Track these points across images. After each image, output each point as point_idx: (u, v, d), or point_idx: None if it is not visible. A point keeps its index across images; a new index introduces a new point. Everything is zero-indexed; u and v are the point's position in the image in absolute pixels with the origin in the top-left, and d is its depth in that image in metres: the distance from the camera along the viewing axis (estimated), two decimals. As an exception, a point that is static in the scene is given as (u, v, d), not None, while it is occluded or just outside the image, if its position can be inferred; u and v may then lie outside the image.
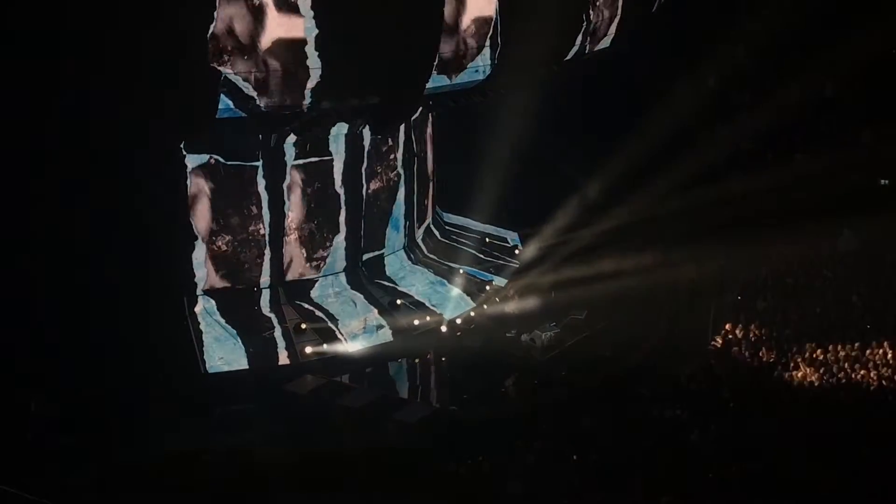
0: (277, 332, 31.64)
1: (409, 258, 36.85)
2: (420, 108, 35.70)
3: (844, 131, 39.91)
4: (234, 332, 31.45)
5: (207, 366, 30.21)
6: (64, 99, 27.07)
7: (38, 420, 26.55)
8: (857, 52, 38.82)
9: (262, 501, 22.05)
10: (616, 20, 34.22)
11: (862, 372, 26.67)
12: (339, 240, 34.17)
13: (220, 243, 32.04)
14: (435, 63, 30.32)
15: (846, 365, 27.10)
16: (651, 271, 34.37)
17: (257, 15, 27.64)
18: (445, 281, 35.90)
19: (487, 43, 31.62)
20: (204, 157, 31.32)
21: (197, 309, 31.73)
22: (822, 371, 26.81)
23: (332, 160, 33.47)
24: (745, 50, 41.14)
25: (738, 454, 22.78)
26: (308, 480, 22.89)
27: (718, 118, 40.77)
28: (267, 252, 32.86)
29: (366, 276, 34.89)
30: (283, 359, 30.88)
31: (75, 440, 25.85)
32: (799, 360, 27.59)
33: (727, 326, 30.38)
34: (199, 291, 31.98)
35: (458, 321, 33.51)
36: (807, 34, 40.36)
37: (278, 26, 27.95)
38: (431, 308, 33.94)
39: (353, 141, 33.66)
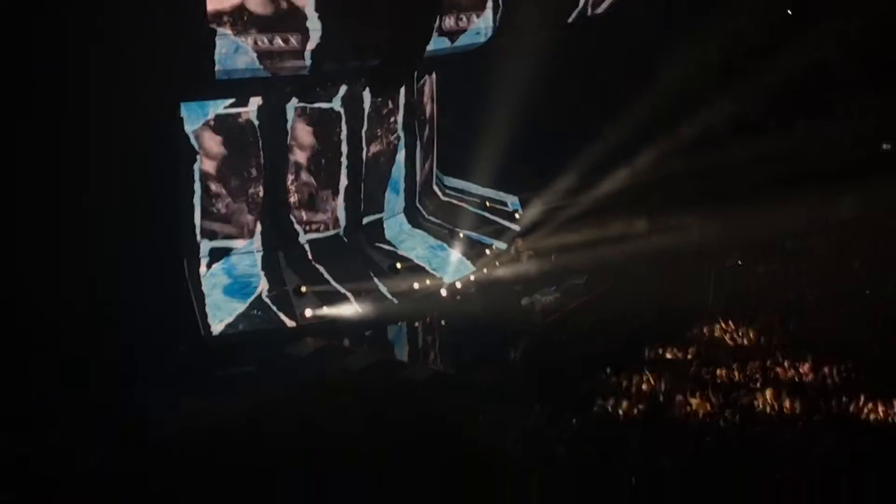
0: (277, 295, 31.65)
1: (409, 222, 36.81)
2: (421, 70, 35.59)
3: (847, 96, 39.80)
4: (234, 294, 31.46)
5: (208, 329, 30.22)
6: (62, 57, 27.03)
7: (39, 382, 26.52)
8: (859, 16, 38.69)
9: (264, 462, 22.01)
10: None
11: (862, 337, 26.65)
12: (339, 202, 34.13)
13: (219, 205, 31.98)
14: (436, 25, 30.24)
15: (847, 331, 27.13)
16: (652, 236, 34.37)
17: (257, -25, 27.60)
18: (445, 244, 35.88)
19: (489, 5, 31.52)
20: (203, 118, 31.22)
21: (198, 272, 31.71)
22: (822, 333, 26.85)
23: (331, 123, 33.39)
24: (747, 14, 40.94)
25: (738, 416, 22.81)
26: (308, 442, 22.85)
27: (721, 82, 40.63)
28: (267, 215, 32.82)
29: (365, 240, 34.86)
30: (284, 321, 30.89)
31: (75, 403, 25.86)
32: (800, 323, 27.60)
33: (727, 291, 30.42)
34: (199, 254, 31.94)
35: (458, 285, 33.51)
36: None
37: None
38: (431, 272, 33.95)
39: (352, 103, 33.56)
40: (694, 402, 23.63)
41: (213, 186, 31.89)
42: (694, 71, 39.41)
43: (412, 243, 35.73)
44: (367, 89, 33.20)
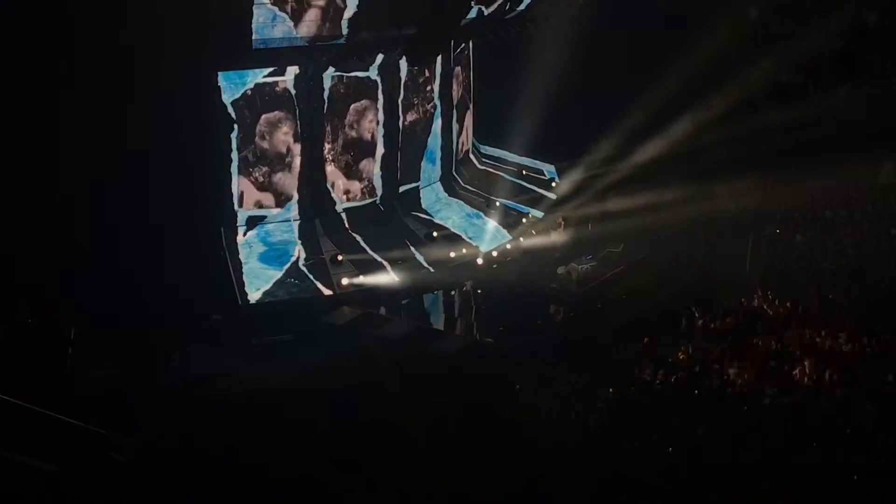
0: (314, 263, 31.76)
1: (445, 190, 36.81)
2: (458, 39, 35.48)
3: (887, 62, 39.27)
4: (271, 263, 31.61)
5: (245, 297, 30.38)
6: (101, 30, 27.17)
7: (77, 349, 26.79)
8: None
9: (300, 428, 22.14)
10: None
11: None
12: (376, 171, 34.17)
13: (256, 174, 32.10)
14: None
15: (885, 298, 26.93)
16: (688, 204, 34.17)
17: (293, -56, 27.58)
18: (481, 213, 35.87)
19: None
20: (241, 88, 31.29)
21: (235, 240, 31.87)
22: (861, 304, 26.66)
23: (368, 91, 33.39)
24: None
25: (775, 387, 22.74)
26: (343, 410, 22.96)
27: (759, 49, 40.22)
28: (304, 183, 32.90)
29: (401, 208, 34.91)
30: (320, 290, 31.01)
31: (115, 370, 26.13)
32: (838, 292, 27.43)
33: (764, 260, 30.27)
34: (236, 223, 32.10)
35: (494, 253, 33.51)
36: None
37: (314, -45, 27.91)
38: (467, 240, 33.97)
39: (389, 72, 33.53)
40: (731, 371, 23.55)
41: (250, 155, 31.99)
42: (732, 36, 39.02)
43: (448, 212, 35.75)
44: (404, 58, 33.12)
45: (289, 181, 32.76)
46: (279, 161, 32.43)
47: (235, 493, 19.88)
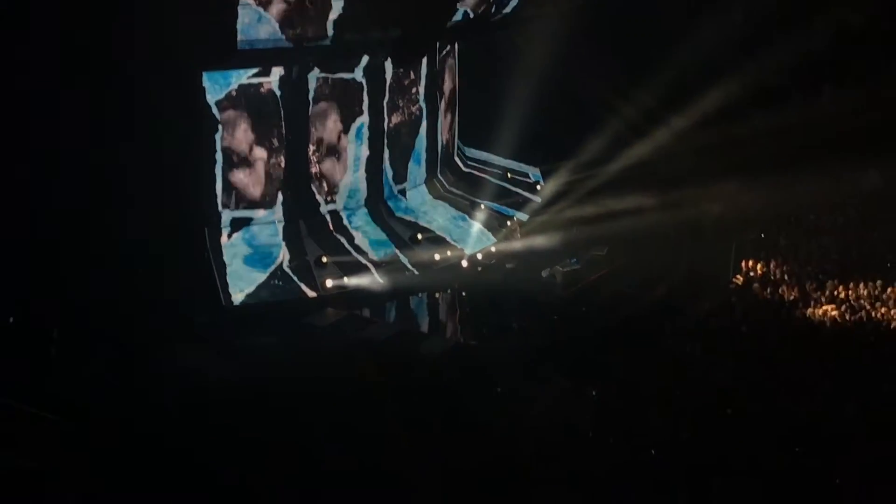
0: (298, 265, 31.70)
1: (431, 192, 36.80)
2: (443, 42, 35.47)
3: (872, 67, 39.43)
4: (255, 264, 31.52)
5: (229, 299, 30.30)
6: (85, 28, 27.06)
7: (60, 349, 26.70)
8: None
9: (283, 431, 22.10)
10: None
11: (883, 309, 26.57)
12: (361, 173, 34.13)
13: (241, 175, 31.99)
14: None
15: (867, 303, 27.04)
16: (673, 208, 34.26)
17: (278, -57, 27.53)
18: (466, 216, 35.87)
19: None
20: (225, 89, 31.21)
21: (218, 241, 31.78)
22: (843, 308, 26.73)
23: (353, 93, 33.36)
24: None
25: (758, 390, 22.79)
26: (327, 411, 22.93)
27: (744, 53, 40.35)
28: (288, 185, 32.84)
29: (387, 211, 34.87)
30: (305, 292, 30.95)
31: (96, 368, 26.04)
32: (820, 296, 27.50)
33: (748, 263, 30.33)
34: (220, 224, 32.01)
35: (479, 256, 33.50)
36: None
37: (300, -45, 27.84)
38: (452, 243, 33.95)
39: (374, 74, 33.50)
40: (717, 374, 23.61)
41: (235, 156, 31.89)
42: (717, 39, 39.15)
43: (434, 214, 35.72)
44: (390, 60, 33.10)
45: (273, 182, 32.67)
46: (263, 162, 32.34)
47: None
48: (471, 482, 20.38)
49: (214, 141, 31.40)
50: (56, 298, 27.85)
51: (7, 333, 26.78)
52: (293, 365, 26.29)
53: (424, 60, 35.29)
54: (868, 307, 26.76)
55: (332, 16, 29.70)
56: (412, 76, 35.14)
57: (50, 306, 27.68)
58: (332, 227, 33.48)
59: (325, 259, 31.76)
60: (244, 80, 31.43)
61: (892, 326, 25.99)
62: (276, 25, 29.59)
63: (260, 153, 32.18)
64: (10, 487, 19.85)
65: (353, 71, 32.95)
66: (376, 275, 31.76)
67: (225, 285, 30.40)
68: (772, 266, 29.70)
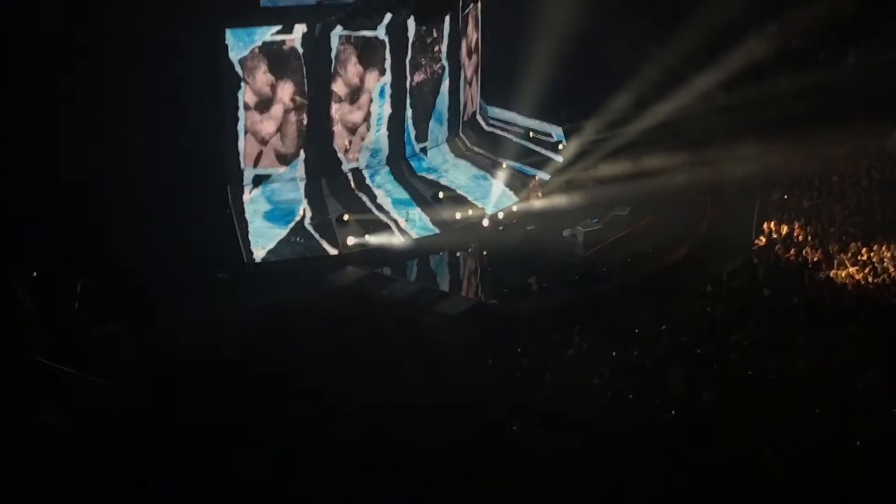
0: (320, 223, 31.77)
1: (452, 151, 36.75)
2: (465, -1, 35.38)
3: (897, 28, 39.04)
4: (277, 221, 31.63)
5: (251, 255, 30.39)
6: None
7: (82, 304, 26.85)
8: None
9: (304, 386, 22.16)
10: None
11: (906, 272, 26.45)
12: (383, 132, 34.11)
13: (264, 132, 32.07)
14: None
15: (890, 265, 26.87)
16: (695, 168, 34.11)
17: None
18: (488, 175, 35.83)
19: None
20: (249, 46, 31.21)
21: (241, 198, 31.87)
22: (866, 270, 26.60)
23: (376, 51, 33.29)
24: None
25: (779, 352, 22.73)
26: (346, 368, 22.96)
27: (767, 14, 40.02)
28: (310, 143, 32.87)
29: (409, 169, 34.87)
30: (326, 249, 31.02)
31: (120, 326, 26.19)
32: (844, 258, 27.36)
33: (771, 225, 30.20)
34: (242, 181, 32.09)
35: (500, 215, 33.46)
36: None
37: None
38: (473, 202, 33.92)
39: (397, 32, 33.41)
40: (735, 336, 23.56)
41: (257, 114, 31.95)
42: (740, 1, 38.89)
43: (455, 173, 35.71)
44: (412, 18, 32.99)
45: (295, 140, 32.72)
46: (286, 120, 32.38)
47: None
48: (487, 441, 20.45)
49: (237, 98, 31.46)
50: (79, 254, 27.98)
51: (31, 287, 26.91)
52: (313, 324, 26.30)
53: (447, 18, 35.17)
54: (892, 269, 26.59)
55: (356, -28, 29.64)
56: (435, 34, 35.06)
57: (73, 261, 27.82)
58: (353, 185, 33.53)
59: (346, 217, 31.81)
60: (267, 38, 31.45)
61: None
62: (300, -18, 29.60)
63: (282, 111, 32.26)
64: (34, 441, 20.01)
65: (375, 29, 32.88)
66: (398, 233, 31.80)
67: (247, 242, 30.54)
68: (795, 227, 29.54)
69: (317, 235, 31.37)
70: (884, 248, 27.51)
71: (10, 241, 27.52)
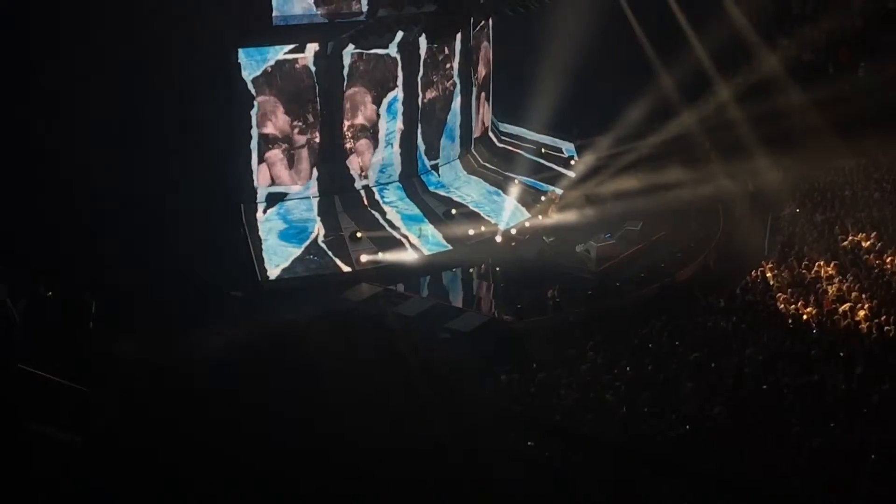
0: (333, 240, 31.86)
1: (464, 168, 36.84)
2: (477, 16, 35.44)
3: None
4: (291, 240, 31.72)
5: (265, 273, 30.48)
6: (123, 5, 27.25)
7: (98, 323, 26.90)
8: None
9: (316, 404, 22.19)
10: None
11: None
12: (395, 149, 34.22)
13: (276, 151, 32.20)
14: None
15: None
16: (708, 183, 34.17)
17: (314, -80, 27.61)
18: (500, 191, 35.89)
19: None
20: (261, 64, 31.37)
21: (255, 217, 31.99)
22: (879, 283, 26.58)
23: (388, 69, 33.42)
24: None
25: (792, 366, 22.73)
26: (359, 383, 22.98)
27: (780, 28, 40.14)
28: (323, 160, 33.00)
29: (421, 186, 34.96)
30: (340, 267, 31.10)
31: (133, 345, 26.22)
32: (856, 272, 27.34)
33: (783, 238, 30.25)
34: (256, 199, 32.21)
35: (513, 231, 33.52)
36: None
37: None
38: (486, 218, 33.98)
39: (409, 49, 33.54)
40: (749, 349, 23.56)
41: (271, 132, 32.08)
42: (754, 14, 38.98)
43: (467, 189, 35.79)
44: (424, 35, 33.13)
45: (308, 158, 32.85)
46: (298, 138, 32.52)
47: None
48: (501, 455, 20.46)
49: (250, 117, 31.61)
50: (94, 272, 28.08)
51: (46, 306, 26.99)
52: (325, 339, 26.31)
53: (458, 36, 35.30)
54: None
55: (367, -9, 29.79)
56: (446, 52, 35.18)
57: (88, 280, 27.91)
58: (366, 203, 33.63)
59: (359, 234, 31.91)
60: (279, 57, 31.61)
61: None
62: (311, 1, 29.76)
63: (295, 129, 32.37)
64: (45, 457, 20.06)
65: (387, 47, 33.02)
66: (411, 250, 31.87)
67: (261, 260, 30.64)
68: (808, 241, 29.57)
69: (330, 253, 31.47)
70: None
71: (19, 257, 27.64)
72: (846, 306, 25.10)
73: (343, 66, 32.60)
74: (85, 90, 28.74)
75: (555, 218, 34.12)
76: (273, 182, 32.53)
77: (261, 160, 32.19)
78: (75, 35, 28.28)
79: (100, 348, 25.87)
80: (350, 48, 32.27)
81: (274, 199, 32.53)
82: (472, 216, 33.96)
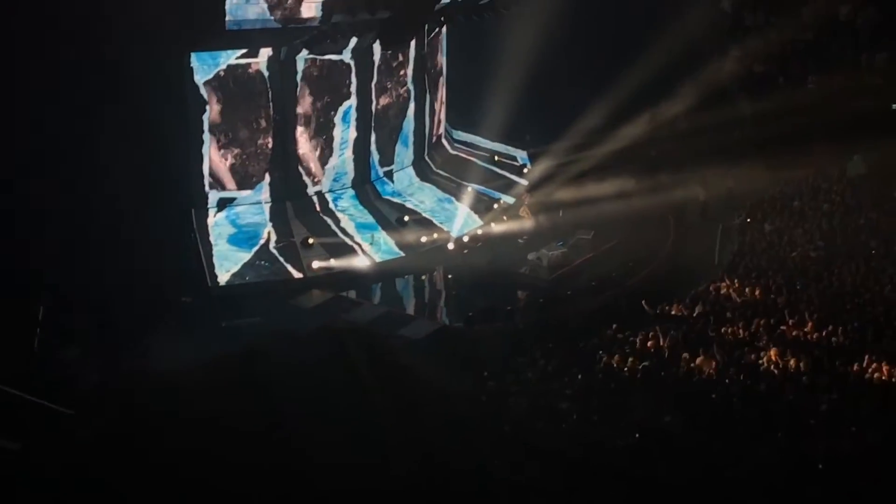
0: (284, 247, 31.73)
1: (418, 175, 36.83)
2: (431, 24, 35.48)
3: (858, 55, 39.49)
4: (241, 245, 31.57)
5: (215, 279, 30.29)
6: (75, 7, 26.98)
7: (45, 329, 26.62)
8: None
9: (268, 411, 22.05)
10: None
11: (867, 295, 26.61)
12: (348, 155, 34.15)
13: (228, 156, 32.07)
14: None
15: (850, 287, 27.06)
16: (659, 192, 34.32)
17: (268, -76, 27.50)
18: (453, 198, 35.92)
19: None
20: (213, 69, 31.21)
21: (205, 222, 31.79)
22: (828, 294, 26.78)
23: (341, 75, 33.36)
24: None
25: (743, 374, 22.85)
26: (314, 392, 22.85)
27: (731, 39, 40.43)
28: (275, 166, 32.87)
29: (374, 192, 34.90)
30: (291, 273, 30.97)
31: (82, 350, 25.99)
32: (805, 281, 27.54)
33: (733, 249, 30.43)
34: (206, 204, 32.03)
35: (466, 238, 33.54)
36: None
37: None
38: (439, 225, 33.99)
39: (362, 55, 33.49)
40: (698, 359, 23.65)
41: (222, 137, 31.93)
42: (705, 25, 39.22)
43: (420, 196, 35.78)
44: (378, 42, 33.10)
45: (260, 163, 32.72)
46: (251, 143, 32.36)
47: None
48: (450, 464, 20.38)
49: (202, 121, 31.43)
50: (41, 280, 27.78)
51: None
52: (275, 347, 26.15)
53: (413, 43, 35.30)
54: (853, 290, 26.74)
55: (321, -3, 29.72)
56: (400, 58, 35.16)
57: (35, 288, 27.61)
58: (318, 209, 33.53)
59: (311, 240, 31.80)
60: (232, 61, 31.47)
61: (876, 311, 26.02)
62: (265, 6, 29.60)
63: (247, 134, 32.24)
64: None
65: (341, 53, 32.96)
66: (363, 256, 31.80)
67: (211, 266, 30.46)
68: (757, 251, 29.76)
69: (281, 259, 31.33)
70: (844, 270, 27.75)
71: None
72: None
73: (296, 72, 32.52)
74: (35, 93, 28.43)
75: (507, 226, 34.17)
76: (224, 187, 32.34)
77: (212, 165, 31.99)
78: (27, 37, 27.93)
79: (46, 354, 25.69)
80: (304, 54, 32.19)
81: (225, 203, 32.35)
82: (425, 223, 33.95)
